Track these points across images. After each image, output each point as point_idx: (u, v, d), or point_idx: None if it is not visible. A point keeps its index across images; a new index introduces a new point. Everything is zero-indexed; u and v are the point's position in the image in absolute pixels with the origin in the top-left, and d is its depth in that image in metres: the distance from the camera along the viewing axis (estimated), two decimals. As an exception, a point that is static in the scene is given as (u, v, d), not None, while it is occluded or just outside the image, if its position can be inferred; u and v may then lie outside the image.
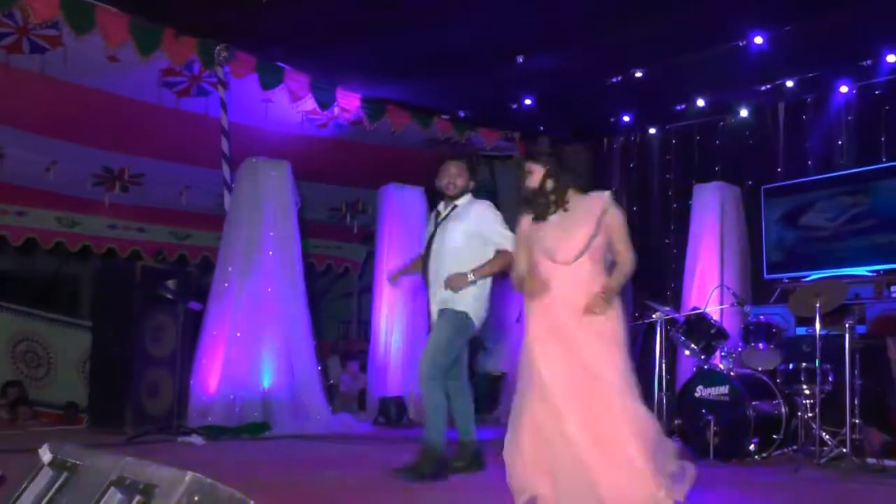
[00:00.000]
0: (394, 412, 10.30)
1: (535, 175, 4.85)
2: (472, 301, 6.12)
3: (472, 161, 6.55)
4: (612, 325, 4.65)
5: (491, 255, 6.12)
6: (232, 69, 9.43)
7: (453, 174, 6.28)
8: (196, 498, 2.33)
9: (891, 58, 9.22)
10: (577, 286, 4.65)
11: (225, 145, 9.63)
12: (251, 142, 10.19)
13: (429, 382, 6.00)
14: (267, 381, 9.02)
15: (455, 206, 6.28)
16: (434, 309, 6.25)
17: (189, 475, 2.36)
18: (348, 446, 8.31)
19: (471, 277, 6.00)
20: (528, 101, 10.88)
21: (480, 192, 6.52)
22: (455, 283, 5.98)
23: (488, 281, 6.20)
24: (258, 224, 9.36)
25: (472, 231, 6.14)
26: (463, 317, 6.10)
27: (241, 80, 9.56)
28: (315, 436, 8.78)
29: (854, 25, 8.59)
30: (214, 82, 9.52)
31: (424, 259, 6.32)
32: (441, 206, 6.40)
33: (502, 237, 6.05)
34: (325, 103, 10.35)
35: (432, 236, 6.29)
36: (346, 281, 14.23)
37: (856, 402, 7.17)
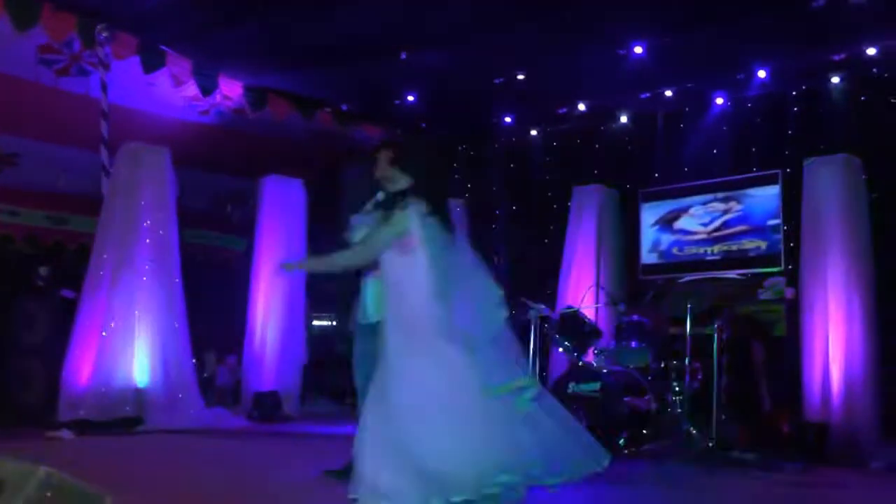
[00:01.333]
0: (268, 407, 10.20)
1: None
2: None
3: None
4: None
5: None
6: (113, 50, 9.20)
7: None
8: (48, 493, 2.26)
9: (762, 73, 9.59)
10: None
11: (104, 128, 9.40)
12: (131, 125, 9.94)
13: None
14: (141, 374, 8.84)
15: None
16: None
17: (41, 470, 2.29)
18: (220, 441, 8.22)
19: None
20: (410, 98, 10.92)
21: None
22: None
23: None
24: (135, 211, 9.17)
25: None
26: None
27: (123, 61, 9.34)
28: (188, 430, 8.64)
29: (729, 41, 8.86)
30: (95, 62, 9.28)
31: None
32: None
33: None
34: (207, 89, 10.20)
35: None
36: (225, 272, 14.02)
37: (722, 400, 7.41)
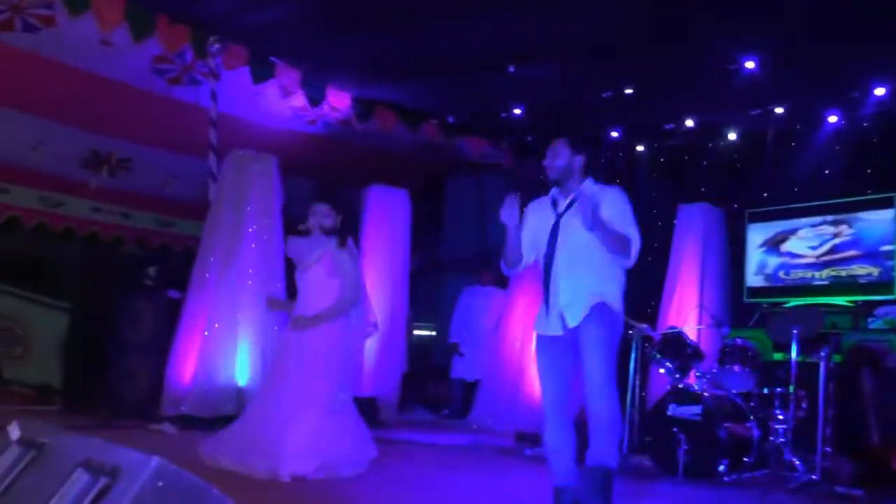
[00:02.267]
0: (365, 412, 10.24)
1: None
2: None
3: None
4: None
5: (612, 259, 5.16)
6: (224, 61, 9.37)
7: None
8: (160, 483, 2.30)
9: (879, 91, 9.29)
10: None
11: (213, 135, 9.57)
12: (239, 134, 10.10)
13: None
14: (242, 374, 8.96)
15: (578, 196, 5.10)
16: (565, 314, 5.05)
17: (155, 460, 2.33)
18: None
19: None
20: (517, 111, 10.89)
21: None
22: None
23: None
24: (241, 216, 9.29)
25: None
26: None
27: (233, 72, 9.50)
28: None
29: (845, 56, 8.60)
30: (206, 72, 9.46)
31: (546, 264, 5.14)
32: (559, 196, 5.28)
33: (633, 234, 5.11)
34: (315, 100, 10.33)
35: (554, 232, 5.15)
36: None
37: (828, 431, 7.18)
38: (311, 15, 8.63)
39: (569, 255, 5.04)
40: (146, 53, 9.05)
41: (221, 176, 9.48)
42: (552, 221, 5.15)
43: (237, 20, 8.88)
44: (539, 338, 5.19)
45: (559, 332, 5.01)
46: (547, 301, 5.09)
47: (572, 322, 4.96)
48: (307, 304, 6.62)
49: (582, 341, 4.94)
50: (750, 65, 8.91)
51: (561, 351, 5.05)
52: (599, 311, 4.96)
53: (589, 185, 5.14)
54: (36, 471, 2.66)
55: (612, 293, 5.06)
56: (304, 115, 10.71)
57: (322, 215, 6.74)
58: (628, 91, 9.88)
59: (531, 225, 5.28)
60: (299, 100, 10.22)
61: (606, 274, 5.06)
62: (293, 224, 10.23)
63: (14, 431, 2.84)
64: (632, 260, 5.02)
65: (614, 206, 5.03)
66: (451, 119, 11.45)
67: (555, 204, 5.22)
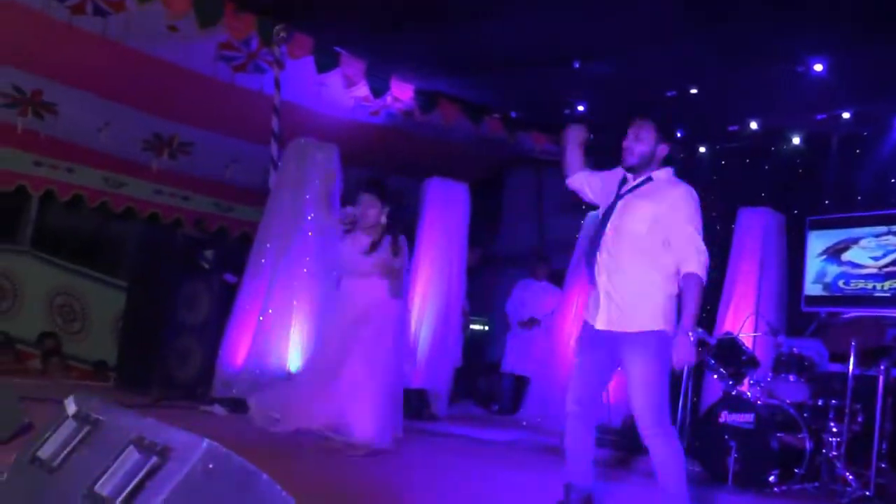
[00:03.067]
0: (414, 404, 10.28)
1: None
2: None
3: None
4: None
5: (667, 264, 4.65)
6: (289, 49, 9.45)
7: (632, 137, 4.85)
8: (210, 465, 2.33)
9: (952, 98, 9.14)
10: None
11: (275, 123, 9.66)
12: (301, 122, 10.17)
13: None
14: (294, 361, 9.00)
15: (649, 180, 4.79)
16: (602, 311, 4.74)
17: (206, 442, 2.36)
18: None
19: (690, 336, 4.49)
20: (580, 107, 10.84)
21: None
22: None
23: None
24: (300, 204, 9.31)
25: (659, 218, 4.67)
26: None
27: (297, 61, 9.58)
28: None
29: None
30: (271, 61, 9.55)
31: (593, 242, 4.87)
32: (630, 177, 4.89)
33: (695, 249, 4.60)
34: (378, 91, 10.37)
35: (610, 210, 4.82)
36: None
37: (884, 446, 7.07)
38: (377, 5, 8.66)
39: (617, 245, 4.67)
40: (212, 40, 9.16)
41: (282, 163, 9.52)
42: (611, 200, 4.80)
43: (303, 9, 8.94)
44: (584, 322, 4.89)
45: (595, 324, 4.71)
46: (593, 285, 4.81)
47: (609, 325, 4.63)
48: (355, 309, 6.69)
49: (625, 361, 4.60)
50: (818, 67, 8.80)
51: (598, 345, 4.71)
52: (646, 337, 4.54)
53: (665, 174, 4.76)
54: (90, 446, 2.71)
55: (660, 303, 4.57)
56: (366, 106, 10.77)
57: (367, 205, 6.70)
58: (693, 91, 9.79)
59: (602, 180, 5.01)
60: (362, 90, 10.27)
61: (658, 278, 4.60)
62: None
63: (70, 406, 2.89)
64: (704, 278, 4.53)
65: (678, 212, 4.59)
66: (513, 114, 11.46)
67: (623, 182, 4.83)
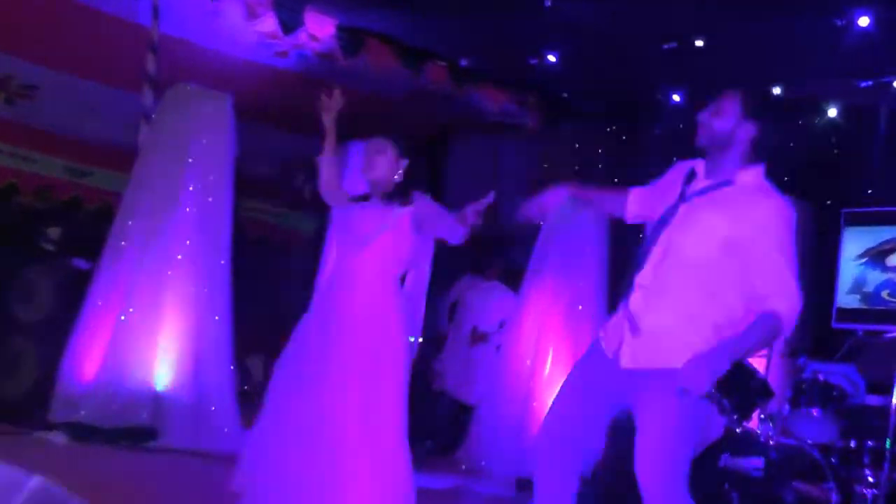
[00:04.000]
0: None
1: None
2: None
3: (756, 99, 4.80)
4: None
5: (734, 306, 4.50)
6: (173, -34, 9.41)
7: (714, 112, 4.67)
8: (40, 509, 2.24)
9: None
10: None
11: (151, 63, 9.63)
12: (186, 63, 10.16)
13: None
14: (162, 376, 8.93)
15: (728, 183, 4.59)
16: (624, 345, 4.55)
17: (35, 479, 2.26)
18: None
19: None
20: (551, 58, 10.85)
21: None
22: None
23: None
24: (179, 170, 9.29)
25: (736, 242, 4.44)
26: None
27: (184, -18, 9.53)
28: (216, 455, 8.51)
29: None
30: (147, -20, 9.48)
31: (640, 256, 4.66)
32: (701, 169, 4.71)
33: (784, 289, 4.49)
34: (289, 25, 10.30)
35: (668, 217, 4.63)
36: (285, 258, 14.18)
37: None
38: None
39: (666, 268, 4.50)
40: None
41: (157, 116, 9.50)
42: (672, 202, 4.61)
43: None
44: (594, 342, 4.74)
45: (609, 352, 4.57)
46: (618, 306, 4.65)
47: (626, 361, 4.47)
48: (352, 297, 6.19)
49: (641, 406, 4.46)
50: (864, 21, 8.85)
51: (605, 377, 4.57)
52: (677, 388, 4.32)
53: (752, 177, 4.59)
54: None
55: (709, 341, 4.39)
56: (273, 45, 10.67)
57: (375, 152, 6.23)
58: (698, 43, 9.86)
59: (656, 188, 4.92)
60: (268, 23, 10.20)
61: (716, 319, 4.43)
62: (248, 184, 10.24)
63: None
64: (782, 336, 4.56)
65: (765, 237, 4.42)
66: (463, 62, 11.48)
67: (689, 178, 4.65)
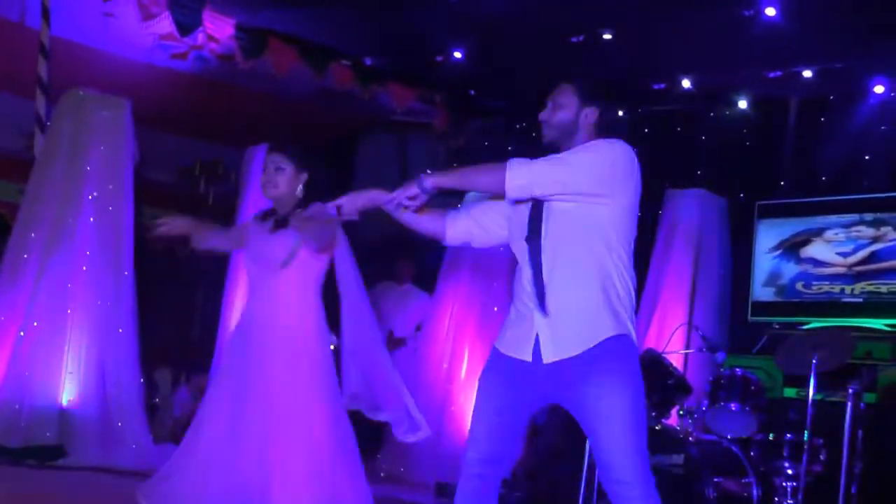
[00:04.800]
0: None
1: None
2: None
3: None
4: None
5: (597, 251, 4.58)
6: (61, -35, 9.34)
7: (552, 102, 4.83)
8: None
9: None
10: None
11: (43, 68, 9.52)
12: (80, 67, 10.11)
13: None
14: (68, 391, 8.92)
15: None
16: (542, 340, 4.58)
17: None
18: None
19: None
20: (457, 54, 10.94)
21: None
22: None
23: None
24: (77, 179, 9.26)
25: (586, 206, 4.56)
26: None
27: (74, -18, 9.47)
28: (127, 471, 8.57)
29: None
30: (35, -20, 9.41)
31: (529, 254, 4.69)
32: None
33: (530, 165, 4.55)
34: (186, 26, 10.17)
35: (536, 219, 4.69)
36: (192, 267, 14.03)
37: (853, 490, 7.28)
38: None
39: (556, 250, 4.55)
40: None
41: (52, 123, 9.46)
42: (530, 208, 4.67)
43: None
44: (494, 351, 4.77)
45: (527, 356, 4.57)
46: (517, 307, 4.71)
47: (552, 354, 4.49)
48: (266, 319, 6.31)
49: (584, 399, 4.45)
50: (770, 11, 8.94)
51: (519, 384, 4.60)
52: (614, 347, 4.43)
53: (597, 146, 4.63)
54: None
55: (624, 312, 4.51)
56: (169, 47, 10.61)
57: (274, 168, 6.27)
58: (606, 36, 9.93)
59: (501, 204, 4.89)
60: (164, 24, 10.08)
61: (607, 276, 4.50)
62: (149, 192, 10.24)
63: None
64: (506, 188, 4.43)
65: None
66: (368, 61, 11.47)
67: None
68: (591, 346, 4.40)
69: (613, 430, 4.35)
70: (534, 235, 4.58)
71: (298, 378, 5.89)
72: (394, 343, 11.38)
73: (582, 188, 4.44)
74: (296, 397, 5.84)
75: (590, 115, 4.74)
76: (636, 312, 4.38)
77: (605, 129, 4.74)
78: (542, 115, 4.76)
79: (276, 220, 6.06)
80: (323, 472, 5.82)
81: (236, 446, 5.71)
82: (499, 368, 4.68)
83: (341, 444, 6.04)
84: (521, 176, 4.41)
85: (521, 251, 4.66)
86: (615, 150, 4.57)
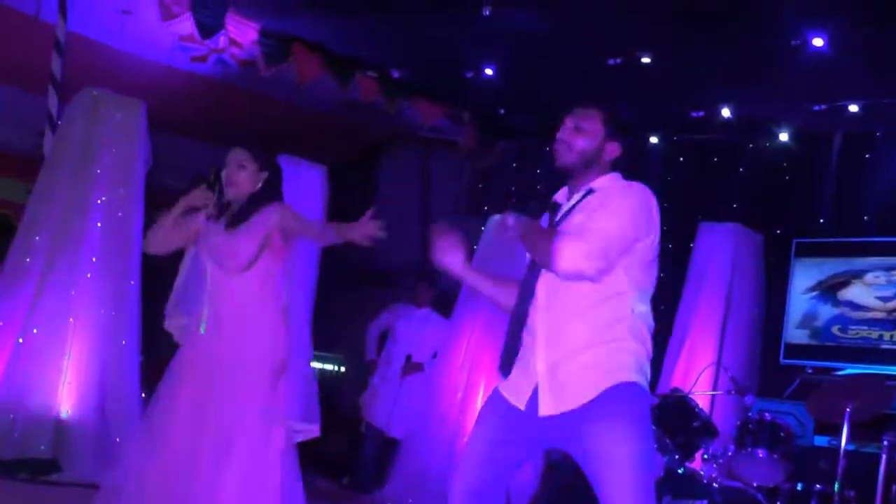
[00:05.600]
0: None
1: None
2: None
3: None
4: None
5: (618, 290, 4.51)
6: (80, -42, 9.37)
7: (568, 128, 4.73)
8: None
9: None
10: None
11: (56, 64, 9.54)
12: (95, 65, 10.12)
13: None
14: (66, 403, 8.88)
15: (590, 192, 4.68)
16: (540, 390, 4.53)
17: None
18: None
19: None
20: (488, 71, 10.95)
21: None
22: None
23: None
24: (87, 182, 9.21)
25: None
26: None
27: (93, -24, 9.50)
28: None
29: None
30: (54, -26, 9.43)
31: (520, 299, 4.71)
32: (563, 194, 4.85)
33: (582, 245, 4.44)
34: (208, 28, 10.21)
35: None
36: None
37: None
38: None
39: (554, 291, 4.52)
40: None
41: (64, 122, 9.43)
42: None
43: None
44: (494, 391, 4.75)
45: (521, 404, 4.54)
46: (514, 351, 4.64)
47: (549, 408, 4.44)
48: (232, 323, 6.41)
49: (585, 447, 4.40)
50: (818, 42, 8.95)
51: (516, 427, 4.57)
52: (619, 394, 4.37)
53: (610, 181, 4.63)
54: None
55: (631, 357, 4.44)
56: (190, 49, 10.63)
57: (236, 166, 6.22)
58: (645, 60, 9.92)
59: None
60: (185, 25, 10.12)
61: (613, 321, 4.43)
62: (161, 198, 10.23)
63: None
64: (559, 265, 4.35)
65: (603, 208, 4.48)
66: (395, 73, 11.50)
67: (554, 212, 4.71)
68: (593, 397, 4.34)
69: (617, 480, 4.29)
70: (535, 264, 4.58)
71: (238, 394, 6.01)
72: (411, 367, 11.37)
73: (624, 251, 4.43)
74: (234, 413, 5.95)
75: (612, 150, 4.68)
76: (663, 350, 4.36)
77: (616, 165, 4.70)
78: (562, 135, 4.68)
79: (232, 216, 6.17)
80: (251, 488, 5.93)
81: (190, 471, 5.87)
82: (499, 404, 4.66)
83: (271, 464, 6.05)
84: (571, 260, 4.35)
85: (524, 281, 4.65)
86: (644, 196, 4.54)
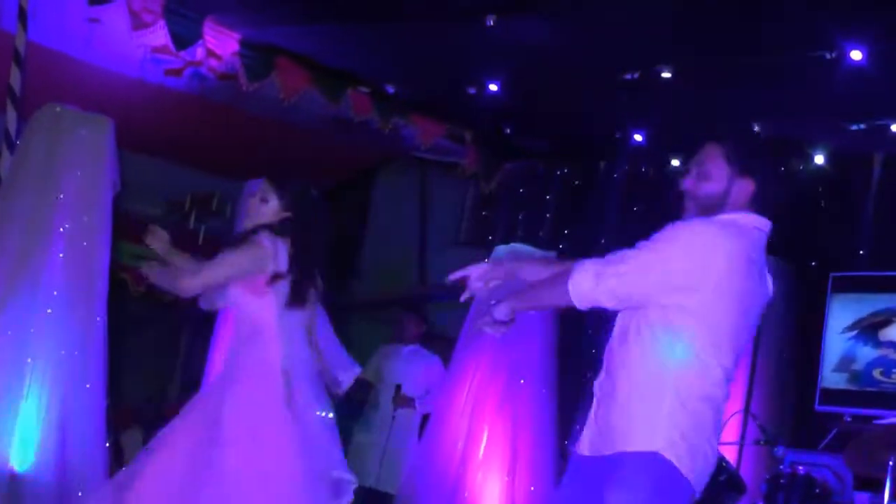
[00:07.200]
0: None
1: None
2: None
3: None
4: None
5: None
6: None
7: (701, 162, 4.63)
8: None
9: None
10: None
11: (16, 78, 9.54)
12: (59, 79, 10.16)
13: None
14: (22, 453, 8.82)
15: None
16: (587, 432, 4.69)
17: None
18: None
19: None
20: (493, 87, 10.93)
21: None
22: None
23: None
24: (48, 207, 9.17)
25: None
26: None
27: (57, -17, 9.51)
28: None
29: None
30: (12, -20, 9.44)
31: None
32: None
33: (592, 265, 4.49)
34: (183, 40, 10.25)
35: None
36: (174, 313, 14.01)
37: None
38: None
39: (615, 349, 4.57)
40: None
41: (23, 141, 9.41)
42: None
43: None
44: (571, 454, 4.81)
45: (585, 451, 4.60)
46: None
47: (590, 447, 4.54)
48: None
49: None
50: (856, 55, 8.91)
51: (581, 482, 4.58)
52: (639, 463, 4.30)
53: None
54: None
55: (675, 426, 4.33)
56: (163, 61, 10.65)
57: (261, 197, 6.33)
58: (665, 74, 9.92)
59: None
60: (159, 35, 10.14)
61: (653, 394, 4.36)
62: (130, 226, 10.20)
63: None
64: (571, 293, 4.34)
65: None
66: (390, 89, 11.51)
67: None
68: (619, 451, 4.32)
69: None
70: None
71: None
72: (402, 399, 11.20)
73: (653, 295, 4.37)
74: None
75: (744, 188, 4.54)
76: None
77: (759, 202, 4.58)
78: (686, 185, 4.60)
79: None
80: None
81: None
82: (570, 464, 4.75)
83: None
84: (578, 284, 4.35)
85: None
86: (713, 240, 4.44)
